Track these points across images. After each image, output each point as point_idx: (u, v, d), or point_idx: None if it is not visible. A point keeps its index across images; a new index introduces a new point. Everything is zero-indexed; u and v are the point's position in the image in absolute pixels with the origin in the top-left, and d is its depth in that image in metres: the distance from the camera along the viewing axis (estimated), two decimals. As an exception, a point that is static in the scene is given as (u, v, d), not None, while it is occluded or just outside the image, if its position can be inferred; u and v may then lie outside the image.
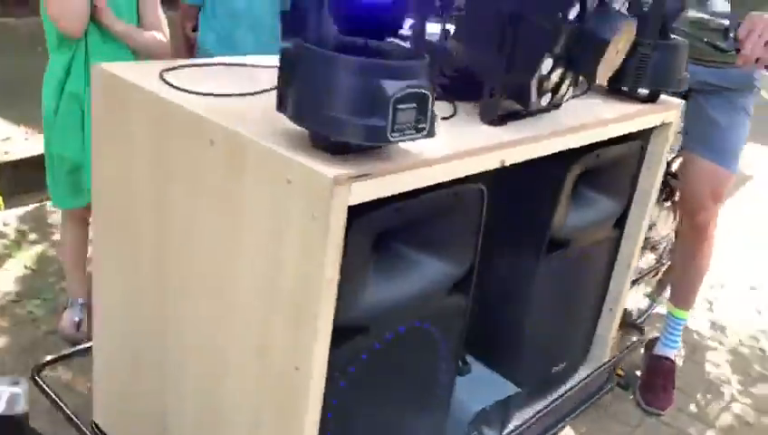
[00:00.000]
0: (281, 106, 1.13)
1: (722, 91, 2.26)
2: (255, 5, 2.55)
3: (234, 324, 1.25)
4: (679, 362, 2.83)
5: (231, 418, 1.31)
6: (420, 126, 1.09)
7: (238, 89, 1.35)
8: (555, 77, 1.40)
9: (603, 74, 1.41)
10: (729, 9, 1.94)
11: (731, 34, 1.95)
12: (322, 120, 1.06)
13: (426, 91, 1.08)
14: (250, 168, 1.14)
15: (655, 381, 2.60)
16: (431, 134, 1.12)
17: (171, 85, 1.32)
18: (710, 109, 2.25)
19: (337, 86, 1.04)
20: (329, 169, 1.05)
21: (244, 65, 1.57)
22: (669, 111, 1.84)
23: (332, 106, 1.04)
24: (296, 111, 1.09)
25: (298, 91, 1.08)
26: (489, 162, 1.31)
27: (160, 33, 2.37)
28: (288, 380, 1.17)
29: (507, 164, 1.36)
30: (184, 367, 1.40)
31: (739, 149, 2.39)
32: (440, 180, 1.23)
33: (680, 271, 2.61)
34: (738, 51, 1.96)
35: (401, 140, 1.08)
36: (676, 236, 2.94)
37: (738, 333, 3.28)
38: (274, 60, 1.56)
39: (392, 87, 1.03)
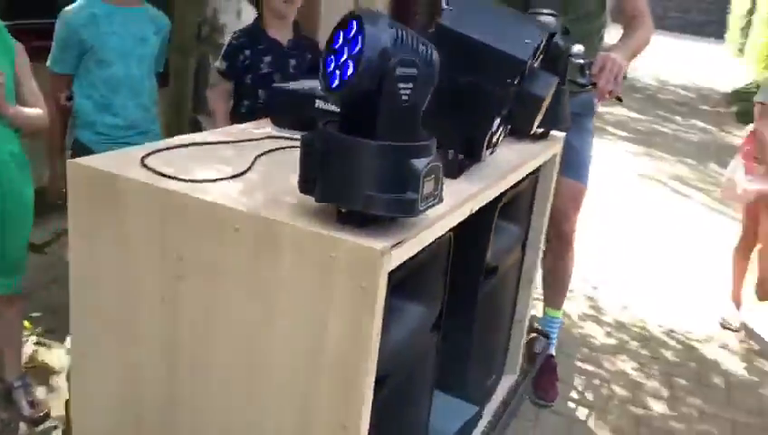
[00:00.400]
0: (305, 188, 1.22)
1: (573, 118, 2.61)
2: (133, 70, 2.53)
3: (268, 398, 1.30)
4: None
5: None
6: (435, 193, 1.24)
7: (229, 169, 1.41)
8: (499, 132, 1.60)
9: (535, 125, 1.63)
10: (583, 50, 2.27)
11: (587, 72, 2.29)
12: (359, 199, 1.16)
13: (439, 164, 1.23)
14: (286, 249, 1.21)
15: (544, 378, 2.91)
16: (441, 199, 1.27)
17: (173, 177, 1.33)
18: (567, 134, 2.60)
19: (372, 168, 1.15)
20: (373, 242, 1.16)
21: (210, 143, 1.61)
22: (557, 144, 2.13)
23: (368, 186, 1.16)
24: (329, 193, 1.19)
25: (331, 174, 1.18)
26: (465, 212, 1.48)
27: (39, 108, 2.29)
28: (335, 440, 1.25)
29: (474, 211, 1.54)
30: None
31: (590, 165, 2.78)
32: (440, 234, 1.38)
33: (551, 276, 2.95)
34: (594, 84, 2.31)
35: (426, 209, 1.21)
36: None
37: (583, 320, 3.75)
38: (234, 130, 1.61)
39: (420, 164, 1.17)
